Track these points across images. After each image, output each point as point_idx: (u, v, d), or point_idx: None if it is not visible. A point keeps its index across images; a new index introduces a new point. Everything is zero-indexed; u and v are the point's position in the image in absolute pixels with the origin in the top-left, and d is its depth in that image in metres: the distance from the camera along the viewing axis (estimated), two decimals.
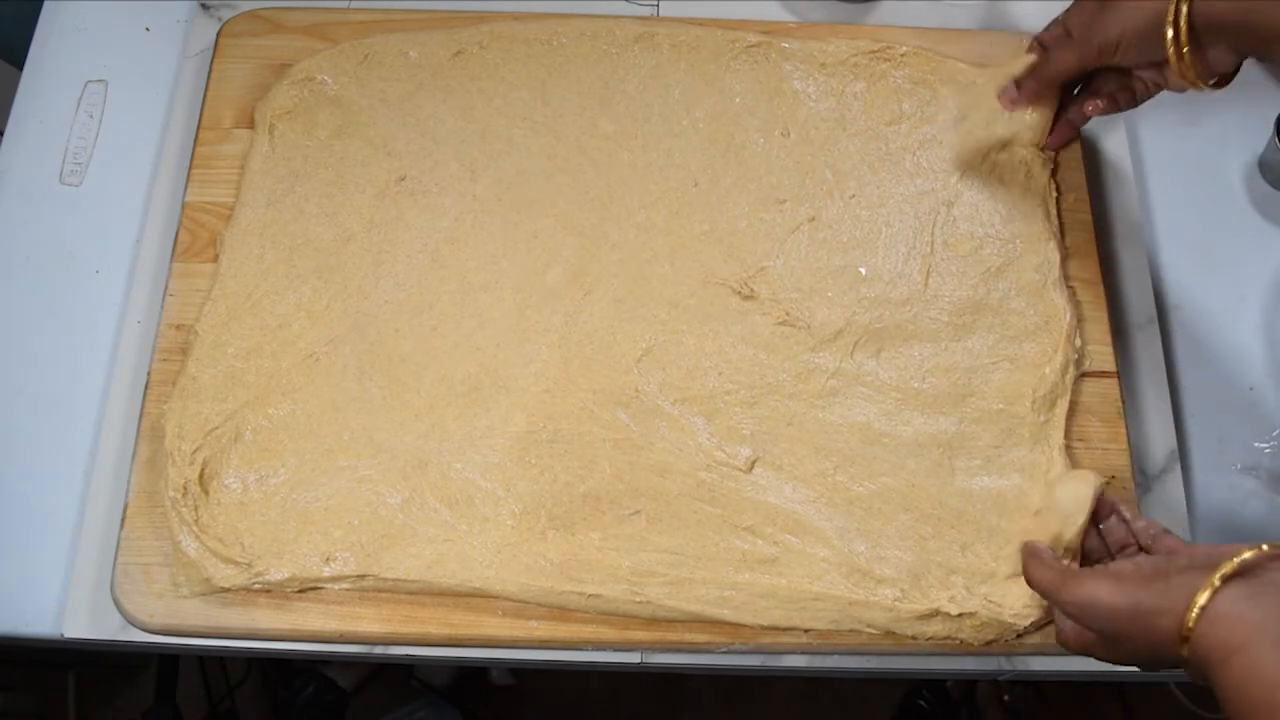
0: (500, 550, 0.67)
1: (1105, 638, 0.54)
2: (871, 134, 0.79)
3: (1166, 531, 0.58)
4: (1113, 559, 0.61)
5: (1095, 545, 0.62)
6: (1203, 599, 0.48)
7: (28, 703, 1.19)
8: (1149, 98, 0.70)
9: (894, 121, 0.80)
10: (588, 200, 0.77)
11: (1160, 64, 0.65)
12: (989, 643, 0.66)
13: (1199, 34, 0.60)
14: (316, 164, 0.78)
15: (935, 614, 0.65)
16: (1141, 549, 0.59)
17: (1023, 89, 0.73)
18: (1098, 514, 0.62)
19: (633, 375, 0.71)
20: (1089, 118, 0.73)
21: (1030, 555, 0.60)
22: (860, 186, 0.78)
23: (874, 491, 0.69)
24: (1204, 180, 0.84)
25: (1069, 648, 0.57)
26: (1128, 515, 0.61)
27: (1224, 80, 0.63)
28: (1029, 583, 0.60)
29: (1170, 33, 0.60)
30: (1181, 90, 0.66)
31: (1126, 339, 0.77)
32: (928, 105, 0.80)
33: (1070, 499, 0.62)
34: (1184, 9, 0.60)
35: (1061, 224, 0.77)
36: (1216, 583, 0.48)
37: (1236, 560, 0.48)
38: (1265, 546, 0.49)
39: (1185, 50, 0.60)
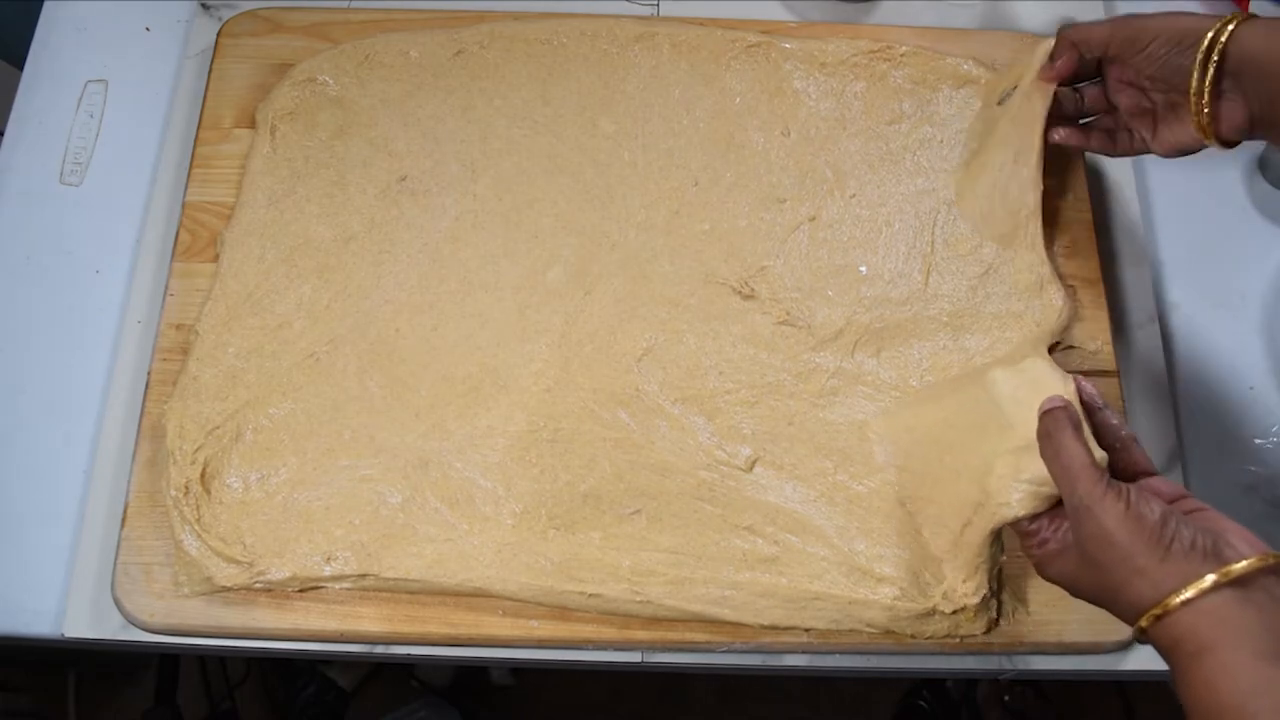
0: (501, 550, 0.67)
1: (1085, 562, 0.51)
2: (872, 133, 0.79)
3: (1136, 442, 0.55)
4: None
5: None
6: (1190, 593, 0.47)
7: (28, 703, 1.20)
8: (1126, 153, 0.70)
9: (894, 121, 0.80)
10: (588, 200, 0.77)
11: (1160, 118, 0.65)
12: (986, 634, 0.66)
13: (1228, 66, 0.60)
14: (317, 164, 0.78)
15: (934, 612, 0.65)
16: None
17: (1055, 55, 0.70)
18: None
19: (633, 374, 0.71)
20: (1061, 140, 0.72)
21: (1061, 426, 0.53)
22: (860, 186, 0.78)
23: (874, 490, 0.69)
24: (1204, 180, 0.84)
25: (1044, 570, 0.54)
26: (1114, 420, 0.56)
27: (1220, 138, 0.62)
28: (1049, 457, 0.53)
29: (1205, 45, 0.60)
30: (1167, 152, 0.66)
31: (1126, 339, 0.77)
32: (927, 105, 0.80)
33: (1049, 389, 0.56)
34: (1228, 28, 0.59)
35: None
36: (1208, 583, 0.46)
37: (1242, 565, 0.47)
38: (1269, 557, 0.47)
39: (1210, 72, 0.60)
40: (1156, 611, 0.47)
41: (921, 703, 1.34)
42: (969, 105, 0.80)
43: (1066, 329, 0.74)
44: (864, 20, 0.87)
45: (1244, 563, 0.47)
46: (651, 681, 1.42)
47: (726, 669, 0.69)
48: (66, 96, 0.84)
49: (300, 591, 0.67)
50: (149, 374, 0.72)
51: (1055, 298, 0.73)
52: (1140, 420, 0.74)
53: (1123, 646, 0.67)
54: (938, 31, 0.85)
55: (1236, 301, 0.79)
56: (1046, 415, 0.54)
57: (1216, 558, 0.47)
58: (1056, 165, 0.80)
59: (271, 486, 0.68)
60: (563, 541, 0.67)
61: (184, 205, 0.77)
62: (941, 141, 0.79)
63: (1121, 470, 0.55)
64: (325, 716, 1.31)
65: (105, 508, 0.70)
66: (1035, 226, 0.74)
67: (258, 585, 0.66)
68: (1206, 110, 0.61)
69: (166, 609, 0.66)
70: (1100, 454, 0.52)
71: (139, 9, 0.87)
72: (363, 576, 0.66)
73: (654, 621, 0.66)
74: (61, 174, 0.81)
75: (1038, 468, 0.54)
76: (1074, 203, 0.79)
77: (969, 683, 1.38)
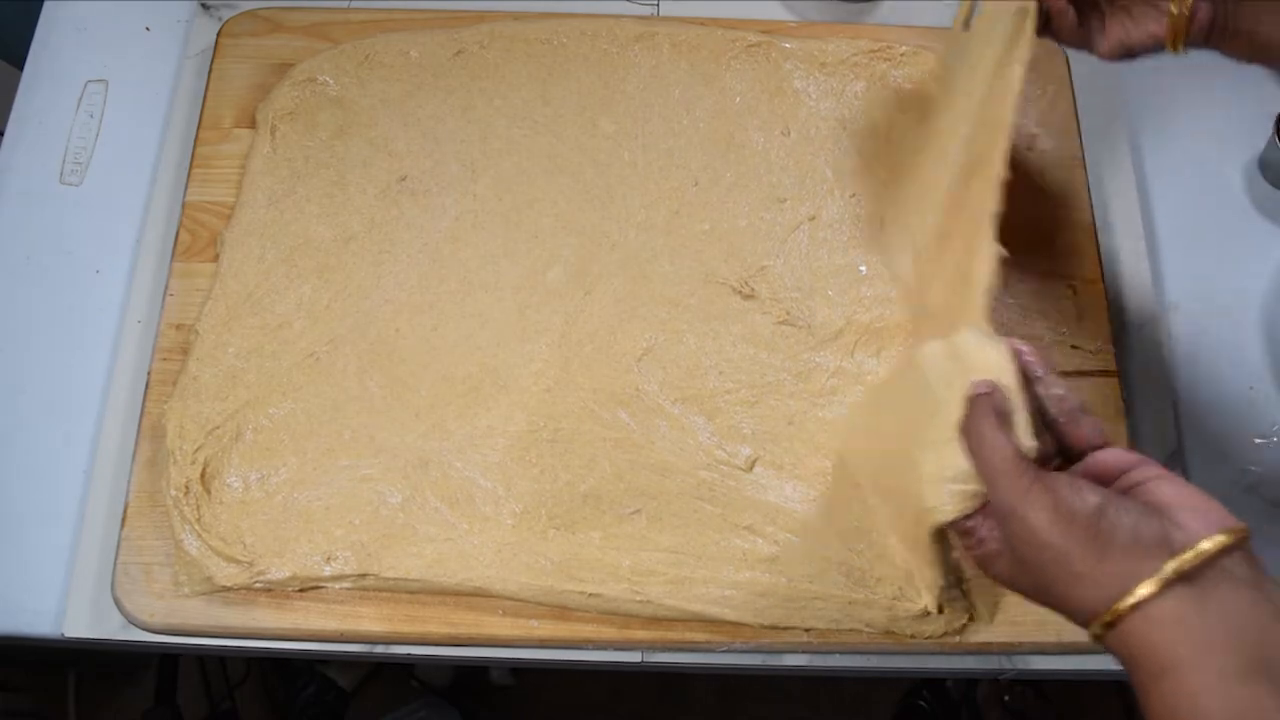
0: (501, 549, 0.67)
1: (1022, 565, 0.45)
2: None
3: (1084, 412, 0.48)
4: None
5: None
6: (1143, 592, 0.40)
7: (28, 703, 1.20)
8: (1062, 40, 0.61)
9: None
10: (588, 200, 0.77)
11: (1111, 14, 0.59)
12: (961, 632, 0.66)
13: None
14: (318, 164, 0.78)
15: (930, 611, 0.65)
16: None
17: None
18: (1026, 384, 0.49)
19: (633, 374, 0.71)
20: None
21: (981, 415, 0.47)
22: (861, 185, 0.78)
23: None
24: (1204, 180, 0.84)
25: (987, 572, 0.48)
26: (1057, 391, 0.49)
27: (1188, 38, 0.57)
28: (971, 451, 0.48)
29: None
30: (1111, 51, 0.60)
31: (1126, 339, 0.77)
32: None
33: (986, 370, 0.49)
34: None
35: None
36: (1155, 586, 0.40)
37: (1191, 554, 0.40)
38: (1222, 536, 0.41)
39: None
40: (1107, 619, 0.42)
41: (921, 703, 1.34)
42: None
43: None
44: (864, 20, 0.87)
45: (1193, 551, 0.41)
46: (651, 681, 1.42)
47: (726, 669, 0.69)
48: (66, 96, 0.84)
49: (300, 591, 0.67)
50: (149, 374, 0.72)
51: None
52: (1140, 420, 0.74)
53: None
54: (938, 32, 0.85)
55: (1236, 301, 0.79)
56: (968, 404, 0.48)
57: (1165, 546, 0.41)
58: (1057, 165, 0.80)
59: (271, 486, 0.68)
60: (563, 541, 0.67)
61: (184, 205, 0.77)
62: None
63: (1070, 445, 0.49)
64: (325, 716, 1.30)
65: (105, 508, 0.70)
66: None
67: (258, 585, 0.66)
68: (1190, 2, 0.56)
69: (166, 609, 0.66)
70: (1028, 443, 0.46)
71: (139, 9, 0.87)
72: (363, 576, 0.66)
73: (654, 621, 0.66)
74: (61, 174, 0.81)
75: (964, 463, 0.49)
76: (1074, 203, 0.79)
77: (969, 683, 1.38)
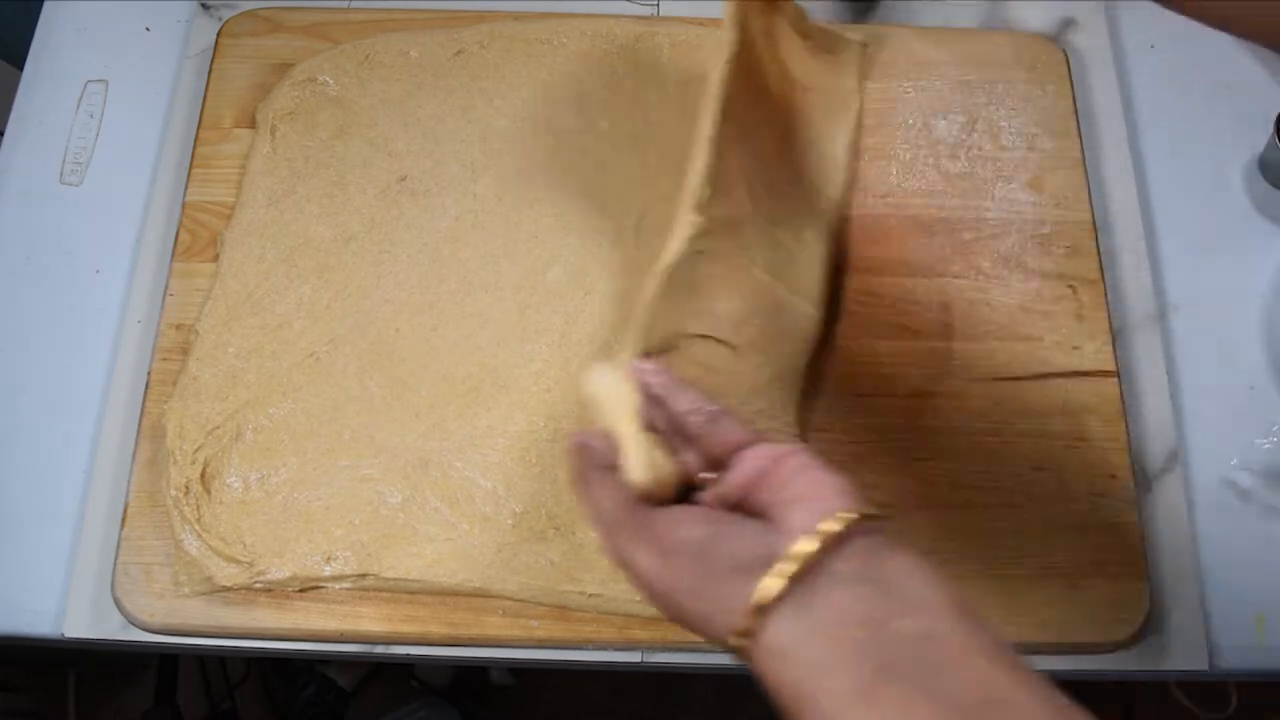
0: (501, 549, 0.67)
1: (660, 608, 0.41)
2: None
3: (723, 414, 0.44)
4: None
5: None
6: (742, 625, 0.36)
7: (28, 703, 1.20)
8: None
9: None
10: (588, 200, 0.77)
11: None
12: None
13: None
14: (318, 164, 0.78)
15: None
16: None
17: None
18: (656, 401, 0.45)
19: None
20: None
21: (579, 474, 0.43)
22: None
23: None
24: (1204, 180, 0.83)
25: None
26: (686, 406, 0.44)
27: None
28: (582, 508, 0.44)
29: None
30: None
31: (1126, 339, 0.77)
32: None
33: (610, 406, 0.45)
34: None
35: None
36: (749, 618, 0.36)
37: (792, 566, 0.36)
38: (827, 527, 0.36)
39: None
40: (740, 660, 0.37)
41: None
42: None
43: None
44: (864, 20, 0.87)
45: (790, 561, 0.36)
46: (651, 681, 1.42)
47: (726, 669, 0.69)
48: (66, 96, 0.84)
49: (300, 591, 0.67)
50: (149, 374, 0.72)
51: None
52: (1140, 420, 0.74)
53: (1123, 646, 0.67)
54: (937, 31, 0.85)
55: (1236, 301, 0.79)
56: (570, 459, 0.45)
57: (767, 561, 0.37)
58: (1057, 165, 0.80)
59: (271, 486, 0.68)
60: (563, 541, 0.67)
61: (184, 205, 0.77)
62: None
63: (713, 454, 0.44)
64: (325, 716, 1.31)
65: (105, 508, 0.70)
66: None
67: (258, 585, 0.66)
68: None
69: (166, 609, 0.66)
70: (641, 479, 0.43)
71: (139, 9, 0.87)
72: (363, 576, 0.66)
73: (654, 621, 0.66)
74: (61, 174, 0.81)
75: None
76: (1074, 202, 0.79)
77: None
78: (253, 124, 0.80)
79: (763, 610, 0.36)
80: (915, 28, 0.85)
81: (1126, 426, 0.72)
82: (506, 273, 0.75)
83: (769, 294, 0.65)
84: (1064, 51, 0.84)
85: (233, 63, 0.82)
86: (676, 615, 0.41)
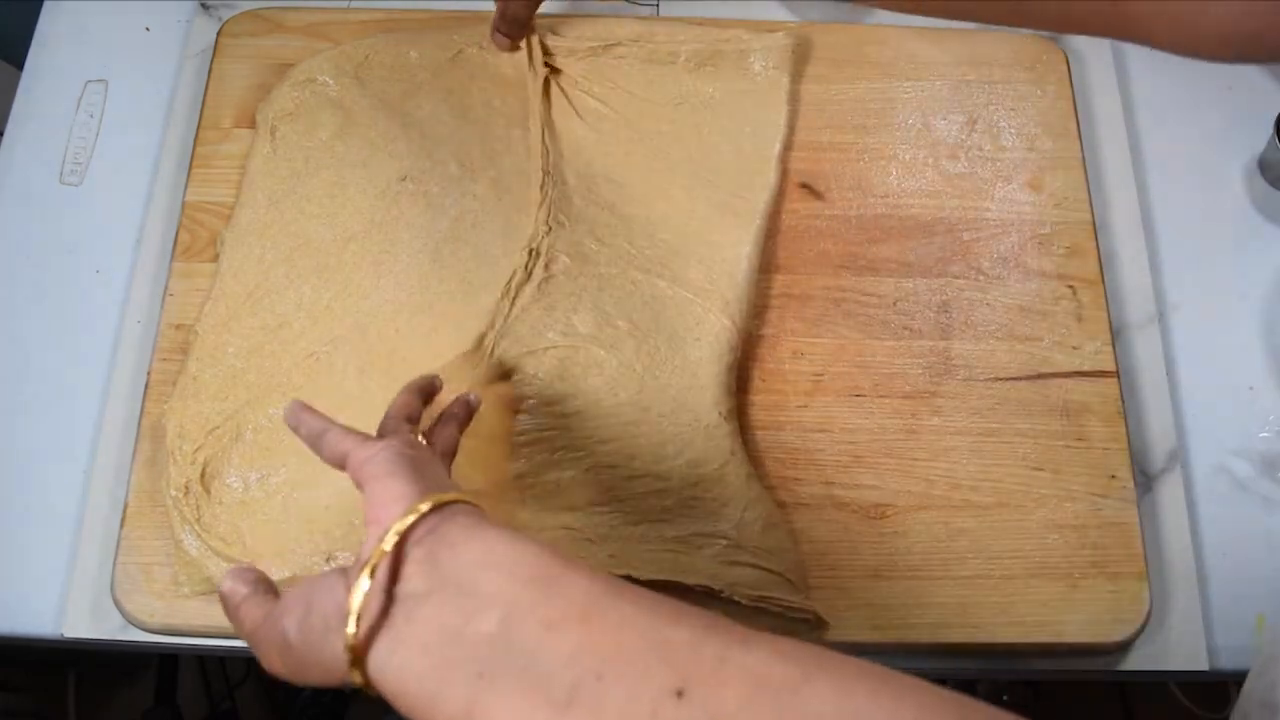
0: None
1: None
2: None
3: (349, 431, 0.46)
4: None
5: None
6: (355, 673, 0.37)
7: (28, 703, 1.19)
8: None
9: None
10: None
11: None
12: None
13: None
14: (318, 164, 0.78)
15: None
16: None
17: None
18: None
19: None
20: None
21: (229, 598, 0.45)
22: None
23: None
24: (1204, 180, 0.84)
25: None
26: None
27: None
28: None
29: None
30: None
31: (1126, 339, 0.77)
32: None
33: None
34: None
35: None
36: (353, 660, 0.36)
37: (358, 603, 0.36)
38: (382, 546, 0.37)
39: None
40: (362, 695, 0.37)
41: None
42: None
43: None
44: (864, 20, 0.87)
45: (372, 567, 0.36)
46: None
47: None
48: (66, 96, 0.84)
49: None
50: (149, 374, 0.72)
51: None
52: (1140, 420, 0.74)
53: (1123, 646, 0.67)
54: (937, 31, 0.85)
55: (1236, 301, 0.79)
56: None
57: (345, 614, 0.37)
58: (1057, 165, 0.80)
59: (271, 486, 0.68)
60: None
61: (184, 205, 0.77)
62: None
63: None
64: (325, 716, 1.31)
65: (105, 508, 0.70)
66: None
67: None
68: None
69: (166, 609, 0.66)
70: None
71: (139, 9, 0.87)
72: None
73: None
74: (61, 174, 0.81)
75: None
76: (1074, 203, 0.79)
77: (969, 683, 1.38)
78: (253, 124, 0.80)
79: (358, 656, 0.36)
80: (915, 27, 0.85)
81: (1126, 426, 0.72)
82: (506, 273, 0.74)
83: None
84: (1064, 51, 0.84)
85: (233, 63, 0.82)
86: (322, 684, 0.40)
